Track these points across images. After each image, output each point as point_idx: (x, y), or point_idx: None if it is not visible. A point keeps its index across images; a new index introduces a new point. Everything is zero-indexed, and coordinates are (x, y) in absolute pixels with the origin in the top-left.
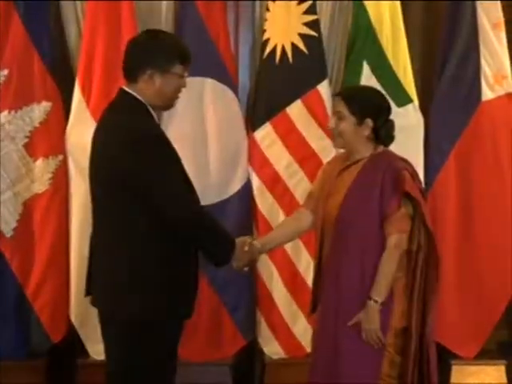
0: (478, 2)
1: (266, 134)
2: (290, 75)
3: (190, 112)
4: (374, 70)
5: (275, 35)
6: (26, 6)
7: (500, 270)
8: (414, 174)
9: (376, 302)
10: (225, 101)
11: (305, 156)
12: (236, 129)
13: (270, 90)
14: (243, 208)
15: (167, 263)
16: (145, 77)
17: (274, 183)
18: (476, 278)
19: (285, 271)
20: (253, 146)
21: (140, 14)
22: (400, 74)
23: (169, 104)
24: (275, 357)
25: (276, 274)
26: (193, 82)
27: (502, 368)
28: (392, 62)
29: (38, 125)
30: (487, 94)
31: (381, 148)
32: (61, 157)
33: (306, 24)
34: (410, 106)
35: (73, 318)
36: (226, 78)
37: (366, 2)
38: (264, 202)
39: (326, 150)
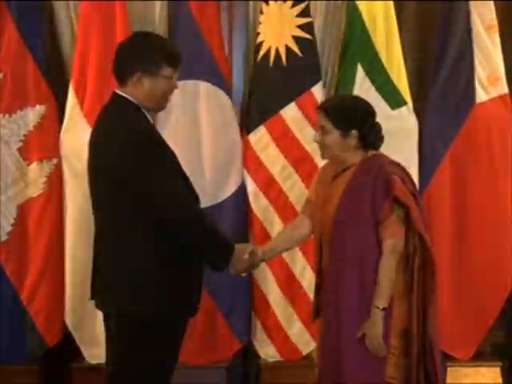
0: (471, 4)
1: (260, 137)
2: (284, 78)
3: (184, 115)
4: (368, 73)
5: (269, 38)
6: (19, 8)
7: (495, 271)
8: (406, 178)
9: (379, 308)
10: (219, 104)
11: (299, 159)
12: (230, 132)
13: (264, 93)
14: (238, 211)
15: (168, 263)
16: (133, 79)
17: (269, 186)
18: (471, 279)
19: (280, 274)
20: (247, 148)
21: (133, 17)
22: (394, 76)
23: (159, 106)
24: (271, 360)
25: (271, 277)
26: (187, 85)
27: (498, 370)
28: (386, 64)
29: (32, 128)
30: (481, 95)
31: (371, 152)
32: (55, 160)
33: (300, 26)
34: (404, 109)
35: (68, 322)
36: (220, 81)
37: (359, 4)
38: (258, 204)
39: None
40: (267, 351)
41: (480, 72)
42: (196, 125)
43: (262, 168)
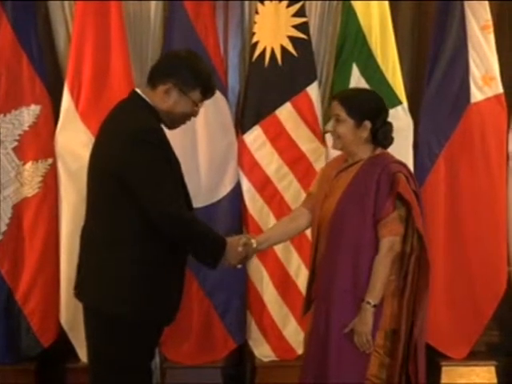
0: (466, 4)
1: (255, 137)
2: (280, 78)
3: None
4: (363, 72)
5: (264, 38)
6: (14, 8)
7: (490, 271)
8: (410, 177)
9: (370, 304)
10: (214, 103)
11: (294, 158)
12: (225, 131)
13: (260, 93)
14: (233, 211)
15: (151, 266)
16: (163, 88)
17: (264, 186)
18: (466, 279)
19: (275, 274)
20: (242, 148)
21: (129, 17)
22: (389, 76)
23: (173, 124)
24: (266, 359)
25: (266, 276)
26: None
27: (492, 369)
28: (381, 63)
29: (27, 128)
30: (476, 95)
31: (379, 150)
32: (50, 160)
33: (296, 26)
34: (399, 108)
35: (63, 322)
36: (216, 80)
37: (354, 4)
38: (254, 204)
39: (315, 153)
40: (262, 351)
41: (475, 72)
42: (191, 125)
43: (257, 168)
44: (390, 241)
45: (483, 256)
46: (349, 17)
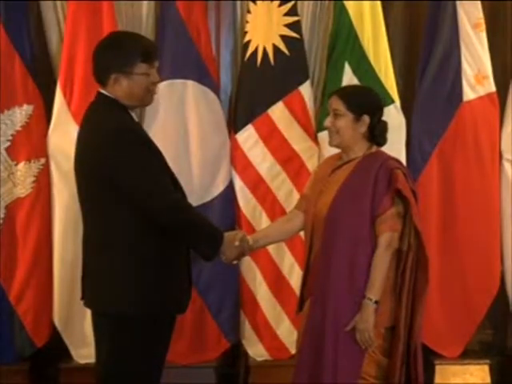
0: (458, 3)
1: (248, 136)
2: (272, 77)
3: (172, 114)
4: (355, 71)
5: (256, 37)
6: (5, 8)
7: (483, 270)
8: (408, 175)
9: (371, 300)
10: (207, 103)
11: (287, 157)
12: (218, 131)
13: (252, 92)
14: (226, 210)
15: (156, 262)
16: (111, 81)
17: (257, 185)
18: (459, 277)
19: (268, 273)
20: (235, 147)
21: (121, 17)
22: (381, 75)
23: (143, 102)
24: (259, 359)
25: (260, 276)
26: (174, 84)
27: (486, 368)
28: (373, 62)
29: (19, 128)
30: (468, 94)
31: (374, 148)
32: (43, 160)
33: (288, 25)
34: (391, 107)
35: (56, 322)
36: (208, 79)
37: (346, 3)
38: (246, 203)
39: (308, 152)
40: (256, 350)
41: (467, 70)
42: (184, 124)
43: (249, 167)
44: (389, 236)
45: (477, 255)
46: (341, 16)
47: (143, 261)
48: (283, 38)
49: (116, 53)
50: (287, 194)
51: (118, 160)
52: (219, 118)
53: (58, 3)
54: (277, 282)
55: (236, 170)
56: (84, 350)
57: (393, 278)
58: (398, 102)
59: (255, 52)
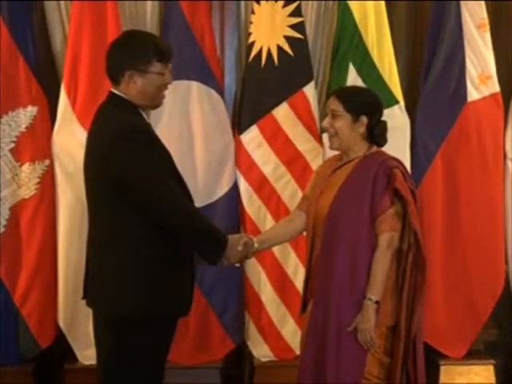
0: (462, 3)
1: (252, 137)
2: (276, 78)
3: (177, 115)
4: (359, 72)
5: (261, 38)
6: (9, 9)
7: (488, 269)
8: (406, 174)
9: (371, 300)
10: (211, 104)
11: (291, 158)
12: (222, 132)
13: (256, 93)
14: (230, 211)
15: (160, 263)
16: (125, 79)
17: (261, 186)
18: (464, 278)
19: (273, 274)
20: (239, 148)
21: (125, 18)
22: (386, 76)
23: (154, 103)
24: (264, 359)
25: (264, 276)
26: (179, 85)
27: (491, 368)
28: (377, 63)
29: (24, 129)
30: (473, 94)
31: (374, 148)
32: (47, 161)
33: (292, 26)
34: (396, 107)
35: (61, 323)
36: (212, 81)
37: (350, 3)
38: (251, 204)
39: (312, 152)
40: (260, 351)
41: (471, 71)
42: (188, 125)
43: (254, 168)
44: (388, 236)
45: (481, 255)
46: (345, 16)
47: (147, 263)
48: (287, 38)
49: (131, 50)
50: (292, 194)
51: (129, 160)
52: (223, 119)
53: (62, 4)
54: (281, 283)
55: (240, 170)
56: (88, 351)
57: (394, 277)
58: (402, 103)
59: (259, 53)
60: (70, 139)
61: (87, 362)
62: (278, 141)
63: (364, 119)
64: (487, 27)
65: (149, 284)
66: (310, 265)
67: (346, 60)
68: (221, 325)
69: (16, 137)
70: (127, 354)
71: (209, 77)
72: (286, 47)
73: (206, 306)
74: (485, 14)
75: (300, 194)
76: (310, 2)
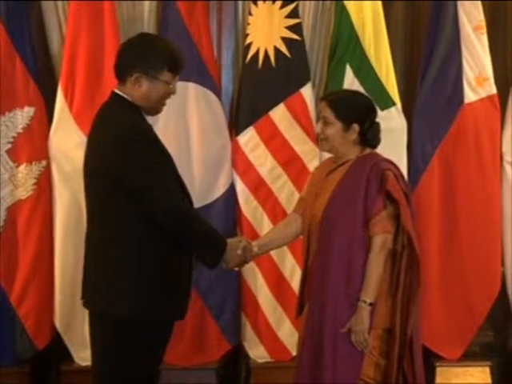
0: (459, 5)
1: (249, 138)
2: (273, 79)
3: (174, 117)
4: (356, 73)
5: (258, 39)
6: (7, 10)
7: (484, 271)
8: (399, 176)
9: (366, 302)
10: (208, 105)
11: (288, 160)
12: (219, 133)
13: (253, 94)
14: (227, 212)
15: (157, 265)
16: (132, 79)
17: (258, 187)
18: (460, 279)
19: (270, 275)
20: (236, 150)
21: (122, 18)
22: (383, 77)
23: (155, 109)
24: (261, 360)
25: (261, 278)
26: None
27: (487, 369)
28: (375, 64)
29: (21, 130)
30: (469, 96)
31: (367, 150)
32: (44, 162)
33: (289, 28)
34: (393, 109)
35: (57, 325)
36: (209, 82)
37: (347, 5)
38: (248, 205)
39: (309, 154)
40: (257, 352)
41: (468, 72)
42: (185, 126)
43: (251, 169)
44: (382, 238)
45: (478, 256)
46: (342, 17)
47: (146, 265)
48: (284, 40)
49: (146, 53)
50: (288, 196)
51: (130, 162)
52: (220, 120)
53: (60, 4)
54: (278, 284)
55: (237, 172)
56: (85, 353)
57: (388, 279)
58: (399, 104)
59: (256, 54)
60: (67, 140)
61: (83, 363)
62: (274, 142)
63: (356, 127)
64: (484, 29)
65: (147, 286)
66: (306, 267)
67: (343, 61)
68: (217, 326)
69: (13, 137)
70: (123, 356)
71: (206, 78)
72: (284, 48)
73: (203, 307)
74: (482, 16)
75: (297, 196)
76: (308, 3)
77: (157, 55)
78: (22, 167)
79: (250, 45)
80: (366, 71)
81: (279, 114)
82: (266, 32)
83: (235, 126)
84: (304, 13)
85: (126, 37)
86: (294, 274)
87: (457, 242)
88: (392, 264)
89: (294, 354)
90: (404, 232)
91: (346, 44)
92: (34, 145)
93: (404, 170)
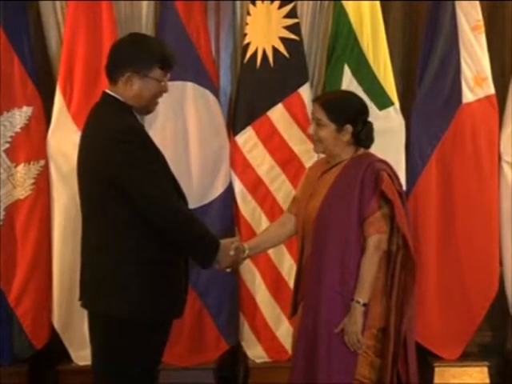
0: (457, 5)
1: (247, 138)
2: (271, 79)
3: (172, 116)
4: (354, 73)
5: (256, 39)
6: (5, 10)
7: (482, 271)
8: (394, 176)
9: (359, 303)
10: (206, 105)
11: (286, 159)
12: (218, 133)
13: (252, 94)
14: (225, 212)
15: (154, 264)
16: (123, 79)
17: (256, 187)
18: (458, 280)
19: (268, 275)
20: (234, 150)
21: (120, 18)
22: (381, 77)
23: (147, 108)
24: (259, 360)
25: (259, 277)
26: (174, 86)
27: (485, 370)
28: (373, 64)
29: (19, 130)
30: (467, 96)
31: (361, 150)
32: (42, 162)
33: (287, 28)
34: (391, 109)
35: (56, 324)
36: (207, 82)
37: (346, 5)
38: (246, 205)
39: (307, 154)
40: (255, 352)
41: (466, 72)
42: (183, 126)
43: (249, 169)
44: (376, 238)
45: (475, 256)
46: (340, 17)
47: (142, 264)
48: (283, 40)
49: (137, 52)
50: (287, 195)
51: (124, 162)
52: (219, 120)
53: (58, 4)
54: (276, 284)
55: (235, 171)
56: (83, 352)
57: (383, 279)
58: (397, 104)
59: (255, 54)
60: (65, 140)
61: (82, 363)
62: (273, 142)
63: (349, 128)
64: (482, 29)
65: (144, 286)
66: (300, 267)
67: (342, 61)
68: (215, 326)
69: (11, 137)
70: (123, 356)
71: (204, 78)
72: (282, 48)
73: (201, 307)
74: (480, 16)
75: None
76: (306, 3)
77: (147, 53)
78: (21, 167)
79: (248, 45)
80: (364, 71)
81: (277, 114)
82: (264, 32)
83: (233, 126)
84: (302, 13)
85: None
86: (292, 274)
87: (455, 242)
88: (387, 264)
89: None
90: (399, 232)
91: (344, 44)
92: (32, 144)
93: (402, 170)
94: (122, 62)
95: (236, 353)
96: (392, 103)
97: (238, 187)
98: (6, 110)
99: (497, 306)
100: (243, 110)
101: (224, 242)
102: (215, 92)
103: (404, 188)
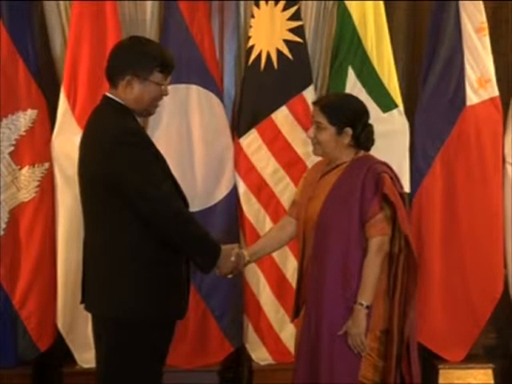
0: (461, 6)
1: (251, 141)
2: (275, 81)
3: (176, 119)
4: (358, 76)
5: (260, 41)
6: (9, 13)
7: (486, 273)
8: (395, 178)
9: (362, 305)
10: (210, 107)
11: (290, 162)
12: (222, 135)
13: (256, 97)
14: (229, 214)
15: (156, 266)
16: (124, 82)
17: (260, 189)
18: (463, 282)
19: (272, 277)
20: (239, 152)
21: (124, 20)
22: (385, 80)
23: (148, 111)
24: (263, 363)
25: (263, 279)
26: (178, 88)
27: (490, 372)
28: (377, 67)
29: (23, 133)
30: (472, 98)
31: (362, 152)
32: (47, 165)
33: (291, 30)
34: (395, 111)
35: (60, 326)
36: (211, 84)
37: (349, 7)
38: (250, 208)
39: (311, 156)
40: (259, 354)
41: (470, 74)
42: (187, 128)
43: (253, 171)
44: (379, 240)
45: (480, 259)
46: (344, 19)
47: (144, 266)
48: (287, 42)
49: (136, 55)
50: (290, 197)
51: (125, 165)
52: (223, 123)
53: (62, 6)
54: (280, 286)
55: (239, 174)
56: (88, 354)
57: (385, 281)
58: (401, 106)
59: (259, 56)
60: (70, 142)
61: (86, 365)
62: (277, 144)
63: (349, 130)
64: (486, 31)
65: (147, 288)
66: (301, 270)
67: (346, 64)
68: (219, 328)
69: (15, 140)
70: (126, 357)
71: (208, 80)
72: (286, 51)
73: (205, 309)
74: (484, 18)
75: None
76: (310, 5)
77: (147, 57)
78: (25, 170)
79: (252, 47)
80: (368, 73)
81: (281, 117)
82: (268, 34)
83: (237, 129)
84: (306, 15)
85: None
86: (295, 276)
87: (459, 244)
88: (389, 266)
89: None
90: (401, 234)
91: (348, 46)
92: (36, 147)
93: (406, 172)
94: (122, 65)
95: (240, 355)
96: (396, 105)
97: (242, 189)
98: (11, 113)
99: (501, 308)
100: (247, 113)
101: (225, 248)
102: (219, 94)
103: (408, 190)
